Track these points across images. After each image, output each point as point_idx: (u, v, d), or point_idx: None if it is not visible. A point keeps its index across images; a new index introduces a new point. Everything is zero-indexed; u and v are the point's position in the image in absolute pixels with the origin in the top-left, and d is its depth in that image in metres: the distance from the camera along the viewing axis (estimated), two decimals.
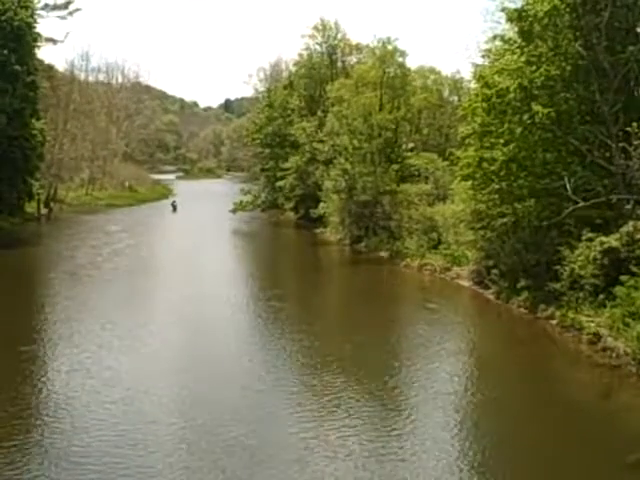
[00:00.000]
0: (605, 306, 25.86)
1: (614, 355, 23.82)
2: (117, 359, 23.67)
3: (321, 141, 59.93)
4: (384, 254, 46.57)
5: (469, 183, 35.12)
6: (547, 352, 26.33)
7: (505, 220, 33.29)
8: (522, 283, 31.11)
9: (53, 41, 71.54)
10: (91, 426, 18.08)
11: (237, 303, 34.07)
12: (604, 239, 27.05)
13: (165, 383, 21.61)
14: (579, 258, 27.60)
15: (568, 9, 29.70)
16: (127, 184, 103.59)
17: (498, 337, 29.02)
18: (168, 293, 36.08)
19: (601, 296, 26.49)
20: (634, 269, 25.14)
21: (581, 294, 27.42)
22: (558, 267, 28.57)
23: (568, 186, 28.92)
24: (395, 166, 50.77)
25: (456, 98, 64.56)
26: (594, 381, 23.21)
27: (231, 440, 17.40)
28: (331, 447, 17.11)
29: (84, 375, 21.94)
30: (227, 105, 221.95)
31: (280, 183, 70.79)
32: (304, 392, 21.39)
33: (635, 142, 27.49)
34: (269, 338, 27.57)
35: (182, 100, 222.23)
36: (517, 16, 31.04)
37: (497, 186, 32.85)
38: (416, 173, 50.77)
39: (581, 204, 28.75)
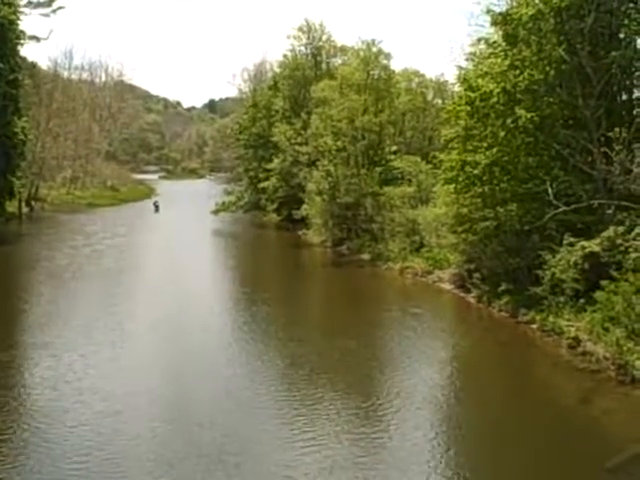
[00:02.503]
0: (585, 310, 25.92)
1: (593, 359, 23.85)
2: (96, 368, 23.10)
3: (305, 143, 59.95)
4: (366, 256, 46.53)
5: (452, 186, 35.09)
6: (527, 356, 26.32)
7: (487, 224, 33.33)
8: (503, 287, 31.14)
9: (36, 39, 71.06)
10: (67, 449, 17.16)
11: (219, 307, 34.03)
12: (585, 244, 27.12)
13: (145, 394, 21.01)
14: (560, 262, 27.65)
15: (552, 13, 29.74)
16: (109, 183, 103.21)
17: (479, 341, 28.94)
18: (149, 296, 35.90)
19: (581, 300, 26.58)
20: (614, 274, 25.22)
21: (562, 298, 27.47)
22: (539, 271, 28.62)
23: (550, 190, 28.95)
24: (378, 168, 50.78)
25: (440, 101, 64.70)
26: (573, 386, 23.15)
27: (216, 457, 16.97)
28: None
29: (61, 385, 21.36)
30: (211, 105, 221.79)
31: (263, 184, 70.69)
32: (288, 403, 21.05)
33: (617, 147, 27.59)
34: (251, 345, 27.16)
35: (165, 100, 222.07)
36: (502, 20, 31.11)
37: (480, 190, 32.90)
38: (399, 176, 50.77)
39: (562, 209, 28.78)
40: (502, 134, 31.09)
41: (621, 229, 26.68)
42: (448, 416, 20.41)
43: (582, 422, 19.93)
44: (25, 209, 71.99)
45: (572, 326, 25.94)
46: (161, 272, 42.68)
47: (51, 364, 23.30)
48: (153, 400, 20.35)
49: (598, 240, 26.83)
